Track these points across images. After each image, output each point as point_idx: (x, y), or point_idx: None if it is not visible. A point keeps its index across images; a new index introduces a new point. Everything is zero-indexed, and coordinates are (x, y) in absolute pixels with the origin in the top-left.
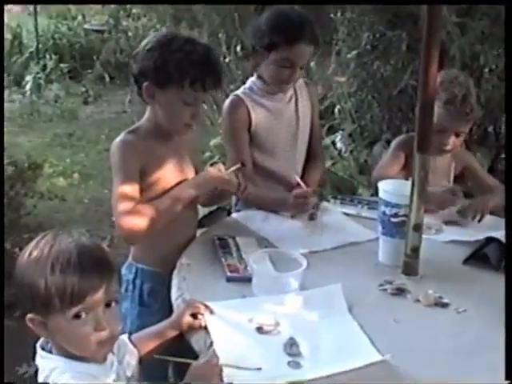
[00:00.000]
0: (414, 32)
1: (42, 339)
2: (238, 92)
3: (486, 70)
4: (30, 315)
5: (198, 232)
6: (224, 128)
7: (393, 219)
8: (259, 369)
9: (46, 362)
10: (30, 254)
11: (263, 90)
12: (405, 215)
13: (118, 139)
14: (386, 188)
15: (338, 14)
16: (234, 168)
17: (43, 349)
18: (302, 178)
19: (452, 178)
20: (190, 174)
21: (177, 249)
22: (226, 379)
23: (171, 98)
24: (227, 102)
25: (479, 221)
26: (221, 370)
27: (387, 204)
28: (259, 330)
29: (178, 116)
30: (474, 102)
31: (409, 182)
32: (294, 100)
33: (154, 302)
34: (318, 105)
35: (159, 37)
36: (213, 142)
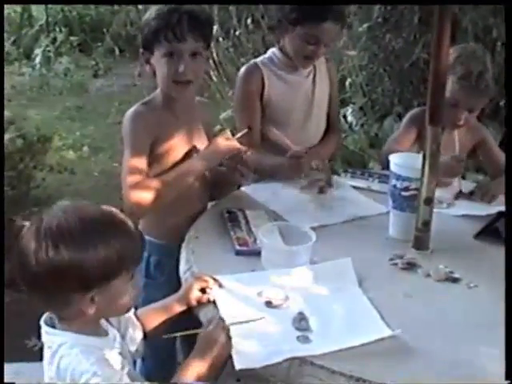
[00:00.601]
0: (425, 4)
1: (45, 315)
2: (257, 60)
3: (499, 43)
4: (88, 295)
5: (209, 205)
6: (236, 94)
7: (404, 193)
8: (263, 317)
9: (54, 338)
10: (72, 234)
11: (284, 62)
12: (416, 189)
13: (130, 110)
14: (396, 161)
15: None
16: (241, 134)
17: (47, 324)
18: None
19: (467, 151)
20: (202, 146)
21: (185, 222)
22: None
23: (157, 58)
24: (243, 68)
25: (490, 202)
26: (228, 331)
27: (398, 177)
28: (268, 304)
29: (165, 74)
30: (490, 78)
31: (420, 156)
32: (312, 75)
33: (160, 274)
34: (336, 81)
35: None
36: (223, 116)
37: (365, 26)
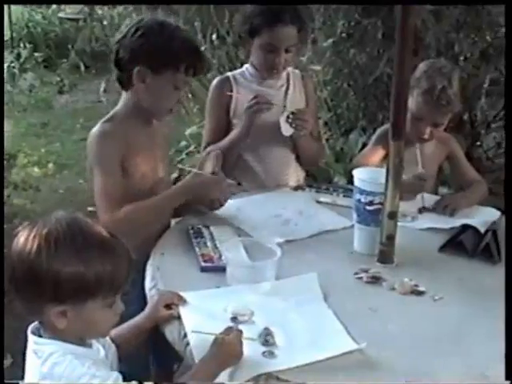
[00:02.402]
0: (389, 20)
1: (33, 325)
2: (229, 73)
3: (461, 57)
4: (60, 308)
5: (173, 221)
6: (206, 104)
7: (368, 207)
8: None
9: (43, 347)
10: (57, 242)
11: (254, 75)
12: (380, 203)
13: (95, 129)
14: (360, 176)
15: None
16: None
17: (34, 334)
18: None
19: (438, 164)
20: (163, 161)
21: (151, 237)
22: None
23: (165, 82)
24: (214, 80)
25: (451, 215)
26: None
27: (362, 192)
28: (234, 319)
29: (167, 100)
30: (454, 94)
31: (383, 170)
32: (284, 88)
33: (132, 289)
34: (314, 96)
35: (147, 22)
36: (188, 132)
37: (329, 41)
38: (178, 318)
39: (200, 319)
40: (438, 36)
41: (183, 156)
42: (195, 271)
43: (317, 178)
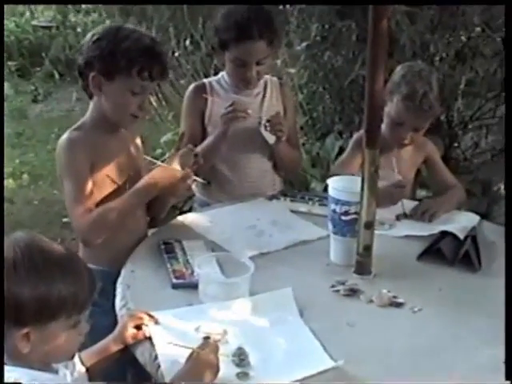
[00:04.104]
0: (363, 22)
1: None
2: (205, 79)
3: (437, 58)
4: (23, 331)
5: (150, 231)
6: (182, 111)
7: (343, 217)
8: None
9: (8, 374)
10: (16, 264)
11: (231, 84)
12: (356, 213)
13: (63, 138)
14: (335, 185)
15: (288, 5)
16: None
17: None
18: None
19: (416, 168)
20: (137, 167)
21: (126, 248)
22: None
23: (119, 87)
24: (190, 86)
25: (430, 221)
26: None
27: (337, 202)
28: (206, 339)
29: (125, 106)
30: (435, 98)
31: (359, 179)
32: (261, 96)
33: (106, 301)
34: (292, 104)
35: (105, 28)
36: (163, 139)
37: (303, 44)
38: (149, 338)
39: (171, 340)
40: (413, 37)
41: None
42: (167, 288)
43: (294, 185)
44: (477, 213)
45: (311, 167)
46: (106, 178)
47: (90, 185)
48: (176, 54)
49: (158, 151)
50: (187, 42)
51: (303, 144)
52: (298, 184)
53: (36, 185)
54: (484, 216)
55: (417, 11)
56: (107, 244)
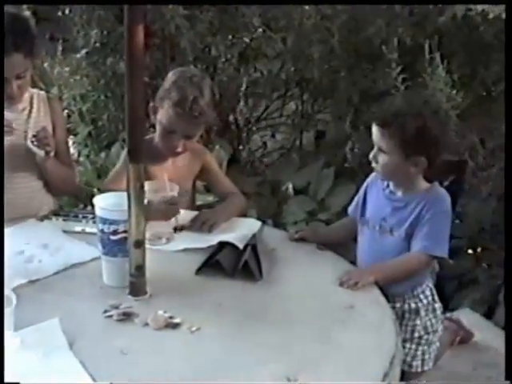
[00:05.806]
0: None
1: None
2: None
3: (222, 60)
4: None
5: None
6: None
7: (112, 237)
8: None
9: None
10: None
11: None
12: (125, 231)
13: None
14: (101, 204)
15: (67, 11)
16: None
17: None
18: None
19: (193, 177)
20: None
21: None
22: None
23: None
24: None
25: (209, 231)
26: None
27: (105, 221)
28: None
29: None
30: (207, 104)
31: (125, 195)
32: (27, 111)
33: None
34: (62, 119)
35: None
36: None
37: (83, 51)
38: None
39: None
40: (194, 40)
41: None
42: None
43: (80, 199)
44: (258, 218)
45: (97, 178)
46: None
47: None
48: None
49: None
50: None
51: (87, 156)
52: (84, 199)
53: None
54: (271, 217)
55: (197, 14)
56: None
